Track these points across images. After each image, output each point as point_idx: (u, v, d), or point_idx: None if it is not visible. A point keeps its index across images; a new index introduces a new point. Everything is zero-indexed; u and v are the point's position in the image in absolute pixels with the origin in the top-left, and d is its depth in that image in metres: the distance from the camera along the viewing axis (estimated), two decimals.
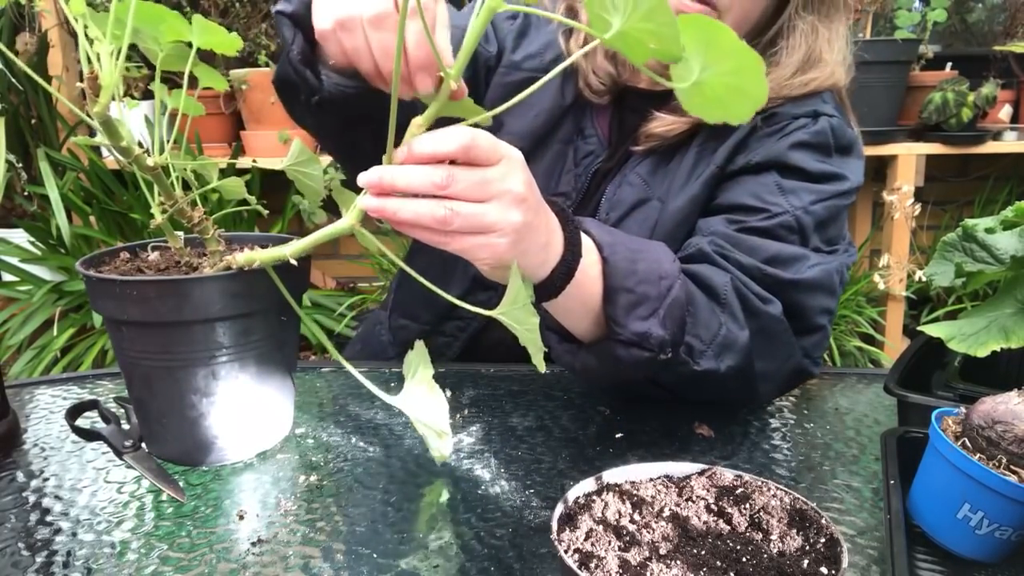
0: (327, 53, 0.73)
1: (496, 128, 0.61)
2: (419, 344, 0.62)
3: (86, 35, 0.58)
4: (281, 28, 0.79)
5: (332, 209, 2.47)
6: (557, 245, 0.67)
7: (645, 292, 0.72)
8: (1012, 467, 0.56)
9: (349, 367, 0.66)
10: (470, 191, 0.58)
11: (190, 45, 0.69)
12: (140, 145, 0.64)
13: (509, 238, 0.60)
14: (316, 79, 0.79)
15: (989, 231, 0.79)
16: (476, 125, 0.60)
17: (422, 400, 0.61)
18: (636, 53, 0.48)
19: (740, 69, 0.46)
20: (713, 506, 0.55)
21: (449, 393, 0.93)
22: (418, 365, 0.61)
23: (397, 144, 0.59)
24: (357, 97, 0.78)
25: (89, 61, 0.58)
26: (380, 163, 0.59)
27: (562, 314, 0.74)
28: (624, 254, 0.73)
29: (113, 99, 0.59)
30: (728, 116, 0.49)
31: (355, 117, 0.81)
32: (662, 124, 0.93)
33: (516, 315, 0.61)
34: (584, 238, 0.71)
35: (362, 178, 0.59)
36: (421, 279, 0.63)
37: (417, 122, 0.58)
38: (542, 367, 0.62)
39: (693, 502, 0.55)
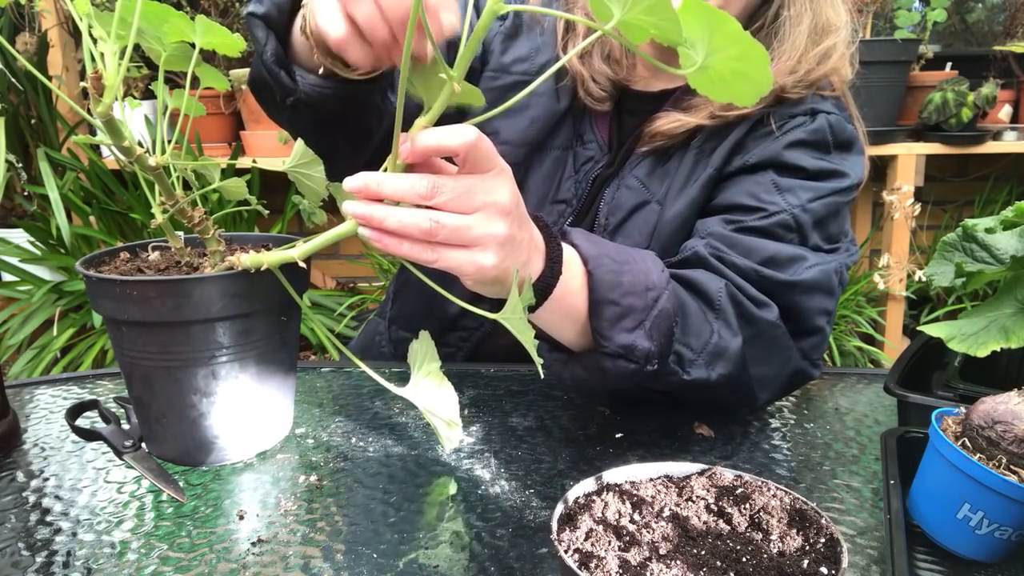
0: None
1: (489, 136, 0.61)
2: (424, 334, 0.62)
3: (90, 34, 0.58)
4: (253, 30, 0.78)
5: (332, 209, 2.47)
6: (537, 264, 0.67)
7: (630, 304, 0.72)
8: (1012, 467, 0.56)
9: (359, 363, 0.66)
10: (455, 202, 0.58)
11: (193, 45, 0.69)
12: (140, 145, 0.65)
13: (493, 252, 0.60)
14: (291, 80, 0.79)
15: (989, 231, 0.79)
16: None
17: (431, 390, 0.61)
18: (636, 37, 0.48)
19: (744, 55, 0.46)
20: (713, 506, 0.55)
21: None
22: (424, 356, 0.61)
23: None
24: (333, 98, 0.77)
25: (93, 60, 0.58)
26: (363, 166, 0.59)
27: (546, 326, 0.74)
28: (609, 266, 0.72)
29: (115, 99, 0.59)
30: (733, 97, 0.50)
31: (329, 119, 0.80)
32: (668, 121, 0.91)
33: (515, 323, 0.61)
34: (571, 251, 0.71)
35: (347, 183, 0.58)
36: (427, 280, 0.62)
37: (421, 123, 0.58)
38: (542, 373, 0.62)
39: (693, 502, 0.55)
